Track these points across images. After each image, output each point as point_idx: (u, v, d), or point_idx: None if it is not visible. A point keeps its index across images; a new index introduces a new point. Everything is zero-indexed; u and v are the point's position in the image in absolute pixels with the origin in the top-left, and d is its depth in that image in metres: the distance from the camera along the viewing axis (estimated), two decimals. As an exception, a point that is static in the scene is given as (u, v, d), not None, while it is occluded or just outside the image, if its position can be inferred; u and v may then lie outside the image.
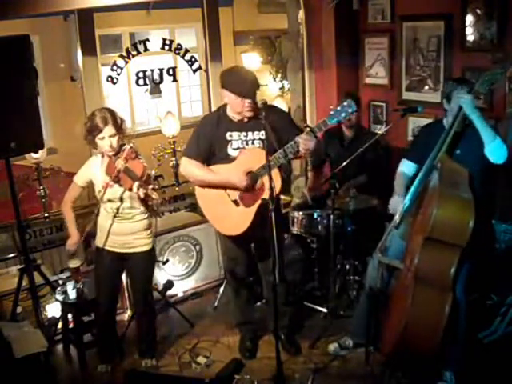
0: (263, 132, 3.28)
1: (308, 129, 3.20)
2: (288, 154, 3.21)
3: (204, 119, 3.63)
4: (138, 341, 3.76)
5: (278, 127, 3.25)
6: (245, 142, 3.39)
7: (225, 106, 3.47)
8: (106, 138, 3.23)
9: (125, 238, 3.41)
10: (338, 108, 3.17)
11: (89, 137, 3.28)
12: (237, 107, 3.30)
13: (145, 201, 3.26)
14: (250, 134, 3.38)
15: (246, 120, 3.37)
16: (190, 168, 3.44)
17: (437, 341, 2.80)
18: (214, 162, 3.45)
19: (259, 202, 3.31)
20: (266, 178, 3.19)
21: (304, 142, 3.14)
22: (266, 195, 3.20)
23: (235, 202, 3.39)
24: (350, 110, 3.17)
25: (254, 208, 3.33)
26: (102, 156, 3.37)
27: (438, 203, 2.81)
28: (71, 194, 3.49)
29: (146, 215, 3.47)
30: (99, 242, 3.48)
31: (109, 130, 3.22)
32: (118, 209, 3.34)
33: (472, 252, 2.86)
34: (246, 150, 3.36)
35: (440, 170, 2.98)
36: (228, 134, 3.38)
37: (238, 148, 3.38)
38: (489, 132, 2.97)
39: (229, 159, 3.38)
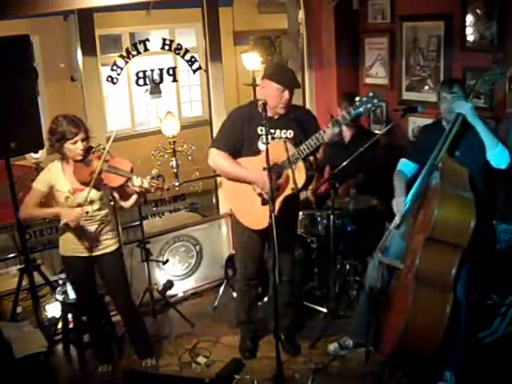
0: (290, 131, 3.33)
1: (334, 120, 3.19)
2: (313, 145, 3.21)
3: (235, 112, 3.56)
4: (132, 343, 3.77)
5: (305, 128, 3.28)
6: (272, 140, 3.37)
7: (254, 102, 3.47)
8: (79, 142, 3.21)
9: (93, 240, 3.39)
10: (364, 98, 3.16)
11: (57, 144, 3.21)
12: (274, 99, 3.29)
13: (142, 193, 3.24)
14: (278, 131, 3.39)
15: (276, 117, 3.37)
16: (218, 159, 3.43)
17: (437, 341, 2.80)
18: (244, 155, 3.44)
19: (283, 195, 3.29)
20: (290, 171, 3.20)
21: (330, 133, 3.16)
22: (288, 190, 3.21)
23: (260, 195, 3.37)
24: (375, 101, 3.17)
25: (278, 202, 3.29)
26: (66, 162, 3.30)
27: (439, 203, 2.81)
28: (32, 200, 3.29)
29: (111, 215, 3.47)
30: (64, 250, 3.42)
31: (82, 133, 3.21)
32: (87, 212, 3.29)
33: (473, 252, 2.86)
34: (273, 143, 3.31)
35: (441, 171, 2.99)
36: (259, 128, 3.36)
37: (267, 143, 3.37)
38: (491, 138, 2.99)
39: (259, 153, 3.37)
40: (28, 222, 4.17)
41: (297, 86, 3.39)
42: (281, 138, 3.38)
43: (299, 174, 3.16)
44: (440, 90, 3.26)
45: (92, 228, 3.37)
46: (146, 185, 3.18)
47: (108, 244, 3.45)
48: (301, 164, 3.23)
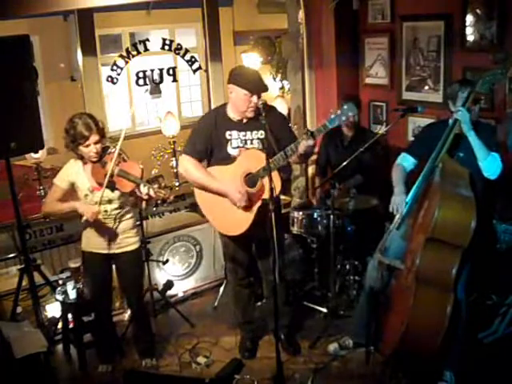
0: (262, 131, 3.31)
1: (309, 132, 3.19)
2: (288, 156, 3.22)
3: (202, 118, 3.64)
4: (135, 342, 3.77)
5: (275, 129, 3.26)
6: (243, 142, 3.39)
7: (223, 106, 3.49)
8: (92, 145, 3.21)
9: (113, 238, 3.41)
10: (339, 111, 3.16)
11: (71, 145, 3.23)
12: (242, 105, 3.30)
13: (148, 200, 3.25)
14: (248, 133, 3.39)
15: (245, 120, 3.38)
16: (189, 168, 3.44)
17: (438, 342, 2.80)
18: (215, 161, 3.45)
19: (259, 203, 3.31)
20: (265, 180, 3.20)
21: (305, 144, 3.15)
22: (266, 196, 3.21)
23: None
24: (350, 114, 3.17)
25: (254, 209, 3.34)
26: (84, 162, 3.32)
27: (439, 203, 2.81)
28: (53, 197, 3.35)
29: (133, 214, 3.49)
30: (86, 245, 3.47)
31: (94, 136, 3.20)
32: (106, 210, 3.33)
33: (473, 252, 2.86)
34: (245, 152, 3.36)
35: (441, 171, 2.99)
36: (227, 133, 3.39)
37: (237, 147, 3.39)
38: (482, 149, 3.01)
39: (229, 158, 3.39)
40: (28, 222, 4.19)
41: (264, 90, 3.34)
42: (252, 139, 3.38)
43: (275, 182, 3.14)
44: (460, 89, 3.16)
45: (112, 226, 3.38)
46: (152, 193, 3.17)
47: (128, 242, 3.46)
48: (275, 173, 3.23)
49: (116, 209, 3.37)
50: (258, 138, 3.37)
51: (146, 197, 3.21)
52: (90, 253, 3.46)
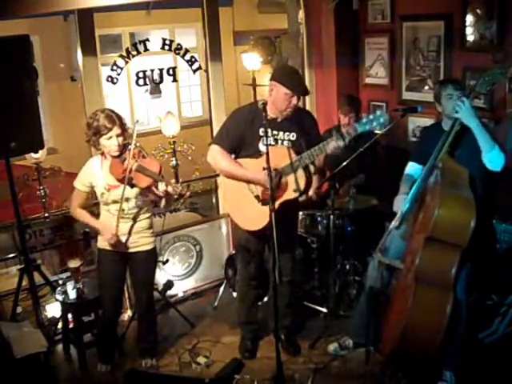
0: (294, 134, 3.33)
1: (338, 133, 3.17)
2: (315, 156, 3.21)
3: (237, 112, 3.55)
4: (138, 340, 3.76)
5: (307, 132, 3.28)
6: (275, 141, 3.38)
7: (256, 102, 3.47)
8: (114, 138, 3.22)
9: (129, 237, 3.41)
10: (371, 116, 3.13)
11: (93, 137, 3.24)
12: (282, 103, 3.29)
13: (166, 197, 3.23)
14: (281, 133, 3.38)
15: (279, 120, 3.37)
16: (218, 157, 3.41)
17: (438, 341, 2.79)
18: (244, 155, 3.44)
19: (281, 200, 3.29)
20: (290, 177, 3.19)
21: (334, 145, 3.14)
22: (289, 195, 3.21)
23: (257, 197, 3.38)
24: (382, 120, 3.12)
25: (276, 206, 3.30)
26: (105, 157, 3.34)
27: (439, 203, 2.81)
28: (77, 201, 3.41)
29: (149, 213, 3.48)
30: (102, 243, 3.45)
31: (116, 129, 3.21)
32: (123, 209, 3.32)
33: (473, 252, 2.87)
34: (272, 148, 3.30)
35: (441, 171, 2.99)
36: (261, 129, 3.35)
37: (269, 144, 3.37)
38: (487, 140, 3.00)
39: (259, 154, 3.37)
40: (28, 222, 4.19)
41: (306, 93, 3.38)
42: (283, 140, 3.38)
43: (300, 181, 3.15)
44: (441, 88, 3.23)
45: (127, 225, 3.38)
46: (170, 190, 3.17)
47: (144, 242, 3.45)
48: (301, 171, 3.23)
49: (133, 207, 3.36)
50: (290, 140, 3.37)
51: (163, 193, 3.19)
52: (106, 250, 3.43)
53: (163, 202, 3.26)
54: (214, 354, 3.79)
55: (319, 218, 4.20)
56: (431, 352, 2.84)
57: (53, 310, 4.01)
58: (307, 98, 5.26)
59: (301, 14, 5.15)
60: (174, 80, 4.73)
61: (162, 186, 3.18)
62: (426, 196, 3.07)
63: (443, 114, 3.26)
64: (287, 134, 3.38)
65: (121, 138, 3.25)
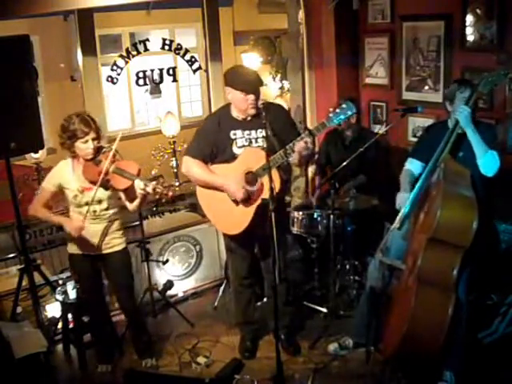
0: (266, 130, 3.30)
1: (307, 131, 3.19)
2: (287, 155, 3.22)
3: (207, 119, 3.64)
4: (133, 342, 3.77)
5: (278, 127, 3.25)
6: (249, 141, 3.40)
7: (228, 105, 3.49)
8: (90, 141, 3.23)
9: (102, 238, 3.40)
10: (337, 110, 3.17)
11: (68, 141, 3.24)
12: (241, 104, 3.32)
13: (146, 196, 3.24)
14: (253, 132, 3.39)
15: (249, 119, 3.39)
16: (192, 167, 3.45)
17: (440, 342, 2.78)
18: (220, 161, 3.45)
19: (258, 201, 3.31)
20: (265, 178, 3.19)
21: (302, 143, 3.14)
22: (265, 195, 3.21)
23: (235, 201, 3.39)
24: (349, 113, 3.17)
25: (253, 207, 3.34)
26: (77, 160, 3.32)
27: (441, 204, 2.80)
28: (41, 201, 3.36)
29: (119, 215, 3.48)
30: (72, 248, 3.46)
31: (92, 133, 3.23)
32: (95, 211, 3.33)
33: (475, 253, 2.86)
34: (246, 150, 3.37)
35: (443, 171, 2.99)
36: (232, 132, 3.39)
37: (242, 146, 3.39)
38: (481, 146, 3.02)
39: (234, 158, 3.39)
40: (28, 222, 4.19)
41: (259, 85, 3.34)
42: (257, 138, 3.39)
43: (275, 181, 3.14)
44: (459, 89, 3.18)
45: (100, 227, 3.39)
46: (149, 189, 3.18)
47: (116, 243, 3.46)
48: (275, 171, 3.23)
49: (105, 209, 3.37)
50: (263, 137, 3.35)
51: (142, 192, 3.21)
52: (77, 255, 3.44)
53: (137, 201, 3.28)
54: (214, 354, 3.79)
55: (319, 218, 4.19)
56: (433, 353, 2.83)
57: (53, 310, 4.01)
58: (307, 97, 5.27)
59: (301, 14, 5.16)
60: (174, 80, 4.74)
61: (140, 184, 3.18)
62: (428, 196, 3.07)
63: (452, 113, 3.22)
64: (260, 131, 3.37)
65: (96, 142, 3.26)
